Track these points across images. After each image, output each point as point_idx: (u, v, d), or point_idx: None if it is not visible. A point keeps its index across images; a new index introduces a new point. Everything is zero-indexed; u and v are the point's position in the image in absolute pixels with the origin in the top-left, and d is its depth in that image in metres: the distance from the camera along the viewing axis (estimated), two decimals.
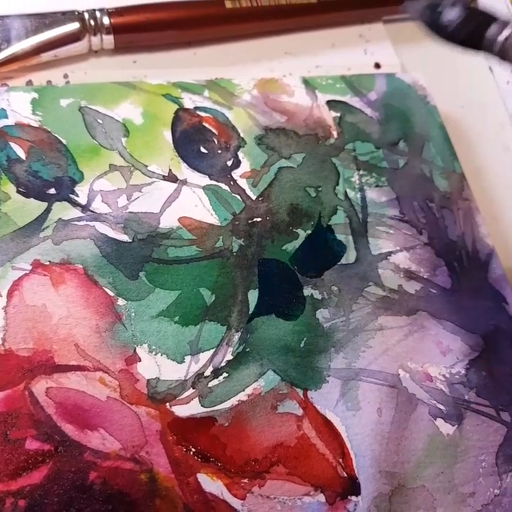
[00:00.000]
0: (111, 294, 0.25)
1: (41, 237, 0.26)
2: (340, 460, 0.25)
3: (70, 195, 0.27)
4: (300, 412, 0.25)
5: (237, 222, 0.28)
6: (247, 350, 0.26)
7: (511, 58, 0.21)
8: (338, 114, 0.32)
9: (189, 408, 0.24)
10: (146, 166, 0.28)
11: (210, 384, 0.25)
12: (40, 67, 0.31)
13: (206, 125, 0.30)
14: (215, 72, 0.33)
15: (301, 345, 0.26)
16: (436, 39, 0.23)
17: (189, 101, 0.30)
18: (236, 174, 0.29)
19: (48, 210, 0.26)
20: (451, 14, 0.21)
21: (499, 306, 0.29)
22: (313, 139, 0.31)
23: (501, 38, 0.21)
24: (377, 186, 0.31)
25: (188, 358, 0.25)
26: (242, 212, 0.28)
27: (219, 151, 0.30)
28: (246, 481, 0.23)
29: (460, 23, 0.21)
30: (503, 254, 0.31)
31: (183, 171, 0.29)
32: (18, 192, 0.26)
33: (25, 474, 0.22)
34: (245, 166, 0.30)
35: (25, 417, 0.23)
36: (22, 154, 0.27)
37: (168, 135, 0.29)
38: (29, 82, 0.31)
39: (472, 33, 0.21)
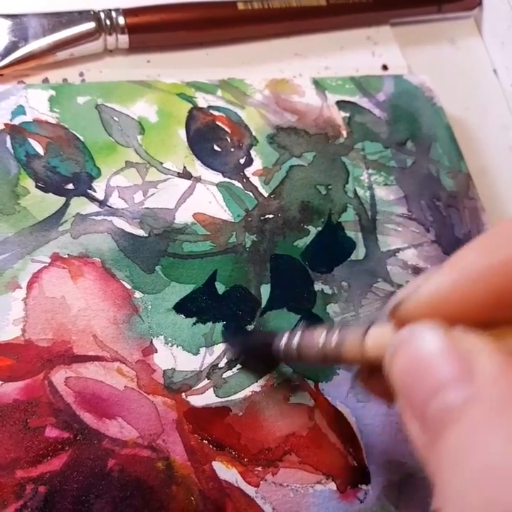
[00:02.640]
0: (128, 287, 0.26)
1: (60, 230, 0.26)
2: (351, 450, 0.25)
3: (88, 191, 0.27)
4: (312, 403, 0.26)
5: (249, 219, 0.29)
6: None
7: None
8: (348, 114, 0.33)
9: (204, 398, 0.25)
10: (161, 163, 0.29)
11: (225, 375, 0.25)
12: (56, 65, 0.32)
13: (219, 124, 0.31)
14: (226, 72, 0.34)
15: None
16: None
17: (203, 100, 0.31)
18: (249, 172, 0.30)
19: (66, 205, 0.27)
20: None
21: None
22: (324, 138, 0.32)
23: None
24: (385, 185, 0.32)
25: (202, 350, 0.26)
26: (254, 209, 0.29)
27: (232, 150, 0.30)
28: (260, 469, 0.24)
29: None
30: None
31: (197, 168, 0.29)
32: (37, 187, 0.27)
33: (45, 461, 0.22)
34: (257, 164, 0.30)
35: (45, 406, 0.23)
36: (40, 150, 0.28)
37: (182, 133, 0.30)
38: (45, 80, 0.31)
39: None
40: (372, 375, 0.20)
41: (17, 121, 0.28)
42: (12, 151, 0.27)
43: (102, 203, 0.27)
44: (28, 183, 0.27)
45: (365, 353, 0.19)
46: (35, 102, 0.29)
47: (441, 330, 0.16)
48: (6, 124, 0.28)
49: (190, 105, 0.31)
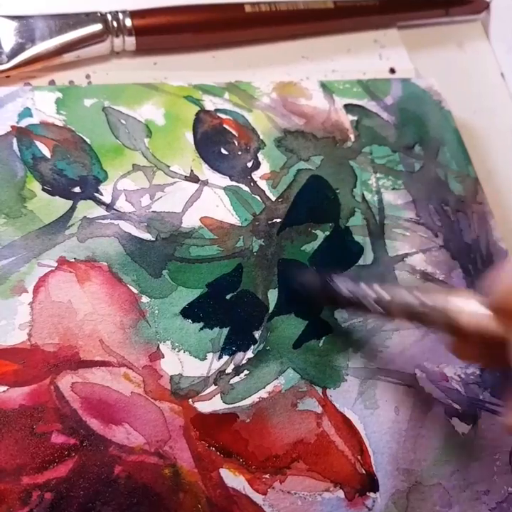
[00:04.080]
0: (135, 291, 0.26)
1: (66, 234, 0.26)
2: (359, 457, 0.25)
3: (95, 194, 0.27)
4: (319, 409, 0.25)
5: (257, 223, 0.29)
6: (268, 348, 0.26)
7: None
8: (355, 118, 0.33)
9: (211, 404, 0.25)
10: (169, 166, 0.29)
11: (232, 381, 0.25)
12: (62, 67, 0.31)
13: (226, 127, 0.31)
14: (233, 75, 0.33)
15: (320, 344, 0.27)
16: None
17: (210, 103, 0.31)
18: (256, 175, 0.30)
19: (73, 208, 0.27)
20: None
21: None
22: (331, 141, 0.32)
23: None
24: (393, 189, 0.31)
25: (210, 356, 0.25)
26: (262, 213, 0.29)
27: (239, 153, 0.30)
28: (267, 476, 0.24)
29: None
30: None
31: (205, 172, 0.29)
32: (44, 190, 0.27)
33: (51, 468, 0.22)
34: (265, 168, 0.30)
35: (51, 412, 0.23)
36: (47, 153, 0.28)
37: (189, 136, 0.30)
38: (52, 82, 0.31)
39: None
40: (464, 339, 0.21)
41: (24, 123, 0.28)
42: (18, 154, 0.27)
43: (108, 207, 0.27)
44: (35, 186, 0.27)
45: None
46: (41, 104, 0.29)
47: None
48: (12, 127, 0.28)
49: (198, 108, 0.31)
